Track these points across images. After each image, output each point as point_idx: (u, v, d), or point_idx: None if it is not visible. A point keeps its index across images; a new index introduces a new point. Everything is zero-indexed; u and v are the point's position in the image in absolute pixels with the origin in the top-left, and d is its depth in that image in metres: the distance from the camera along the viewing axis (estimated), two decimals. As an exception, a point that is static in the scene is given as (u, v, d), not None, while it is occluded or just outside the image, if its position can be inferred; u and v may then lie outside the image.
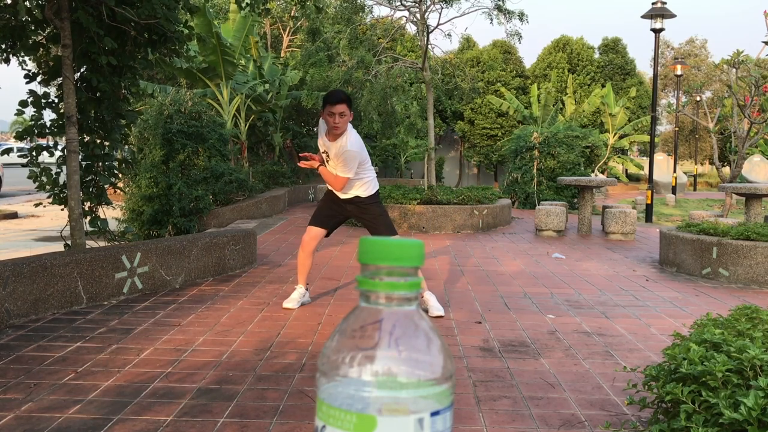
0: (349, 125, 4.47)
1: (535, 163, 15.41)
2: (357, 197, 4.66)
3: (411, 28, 16.04)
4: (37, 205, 6.05)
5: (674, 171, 25.02)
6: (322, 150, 4.61)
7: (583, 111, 24.05)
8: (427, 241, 8.66)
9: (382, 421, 0.52)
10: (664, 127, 48.81)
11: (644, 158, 36.71)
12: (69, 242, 5.47)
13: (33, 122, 5.72)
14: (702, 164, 48.31)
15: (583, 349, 3.86)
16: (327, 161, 4.58)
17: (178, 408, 2.83)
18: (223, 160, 10.82)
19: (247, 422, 2.70)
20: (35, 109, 5.65)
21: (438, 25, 13.42)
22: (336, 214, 4.74)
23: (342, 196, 4.67)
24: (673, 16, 13.22)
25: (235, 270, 6.09)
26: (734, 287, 5.96)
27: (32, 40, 5.57)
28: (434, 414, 0.53)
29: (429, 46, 13.02)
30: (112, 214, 7.46)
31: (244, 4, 6.39)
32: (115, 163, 6.21)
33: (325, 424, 0.54)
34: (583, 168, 15.93)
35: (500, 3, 13.15)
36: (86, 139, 5.83)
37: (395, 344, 0.54)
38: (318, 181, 17.04)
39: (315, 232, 4.72)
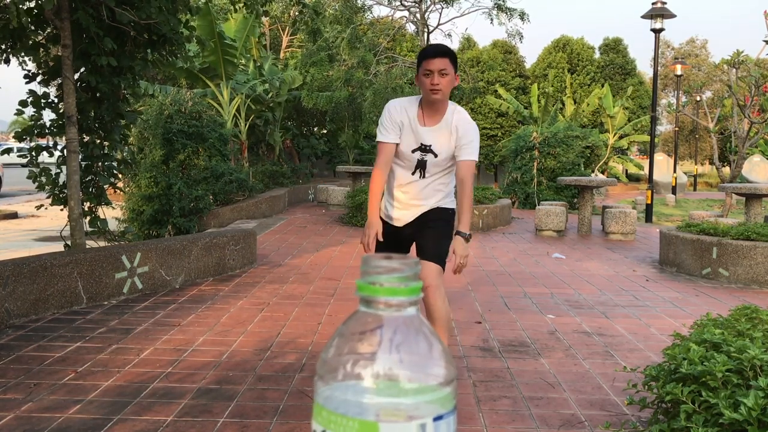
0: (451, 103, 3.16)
1: (535, 163, 15.41)
2: (435, 209, 3.19)
3: (411, 28, 16.05)
4: (38, 207, 6.03)
5: (674, 171, 25.00)
6: (407, 150, 3.10)
7: (583, 111, 24.05)
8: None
9: (384, 427, 0.51)
10: (664, 127, 48.79)
11: (643, 156, 36.70)
12: (69, 242, 5.46)
13: (32, 122, 5.71)
14: (702, 164, 48.28)
15: (583, 349, 3.86)
16: (416, 166, 3.13)
17: (178, 408, 2.83)
18: (223, 160, 10.82)
19: (247, 422, 2.70)
20: (35, 109, 5.64)
21: (438, 25, 13.42)
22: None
23: (405, 216, 3.20)
24: (673, 16, 13.21)
25: (235, 270, 6.09)
26: (734, 287, 5.96)
27: (32, 40, 5.57)
28: (437, 419, 0.53)
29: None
30: (112, 214, 7.45)
31: (239, 6, 6.38)
32: (115, 163, 6.21)
33: (325, 429, 0.53)
34: (582, 168, 15.92)
35: (500, 2, 13.15)
36: (86, 140, 5.83)
37: (396, 349, 0.54)
38: (317, 181, 17.03)
39: None
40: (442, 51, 3.00)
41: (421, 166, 3.12)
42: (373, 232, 2.99)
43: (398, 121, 3.11)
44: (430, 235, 3.15)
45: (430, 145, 3.07)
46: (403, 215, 3.21)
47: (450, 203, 3.25)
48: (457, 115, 3.11)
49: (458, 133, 3.07)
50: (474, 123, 3.15)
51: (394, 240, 3.21)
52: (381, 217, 3.19)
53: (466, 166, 3.07)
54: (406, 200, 3.19)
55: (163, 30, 5.50)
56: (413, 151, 3.09)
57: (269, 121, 15.89)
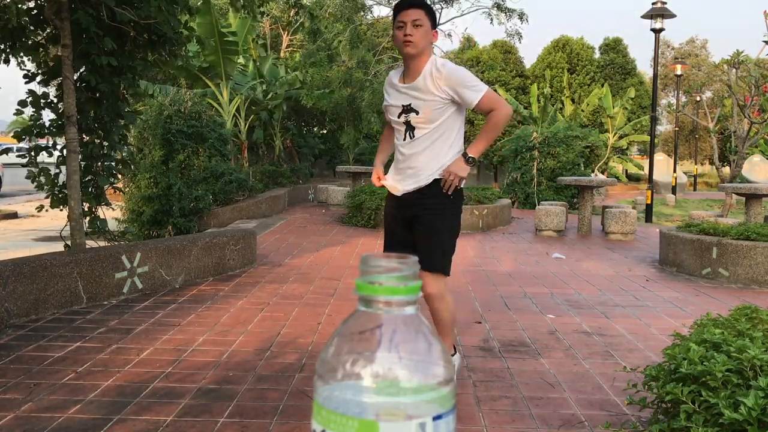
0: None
1: (535, 163, 15.41)
2: (433, 187, 2.97)
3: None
4: (39, 209, 6.01)
5: (674, 171, 25.01)
6: (393, 116, 3.03)
7: (582, 111, 24.06)
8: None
9: (384, 426, 0.51)
10: (664, 127, 48.77)
11: (643, 156, 36.68)
12: (69, 242, 5.46)
13: (32, 122, 5.71)
14: (702, 164, 48.29)
15: (583, 349, 3.86)
16: (405, 129, 2.99)
17: (178, 408, 2.83)
18: (223, 160, 10.83)
19: (247, 422, 2.70)
20: (34, 109, 5.64)
21: (438, 24, 13.43)
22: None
23: (400, 183, 3.05)
24: (673, 16, 13.22)
25: (235, 270, 6.09)
26: (734, 287, 5.96)
27: (32, 40, 5.57)
28: (437, 418, 0.53)
29: (429, 46, 13.03)
30: (112, 214, 7.45)
31: (239, 5, 6.38)
32: (114, 164, 6.21)
33: (325, 428, 0.53)
34: (582, 168, 15.92)
35: (500, 1, 13.17)
36: (86, 140, 5.82)
37: (395, 349, 0.54)
38: (317, 181, 17.03)
39: None
40: (416, 2, 2.87)
41: (409, 128, 2.98)
42: (374, 173, 3.16)
43: (388, 86, 3.08)
44: (426, 235, 2.97)
45: (409, 104, 2.93)
46: (398, 181, 3.04)
47: None
48: (434, 65, 2.91)
49: (442, 81, 2.87)
50: (455, 66, 2.96)
51: (400, 216, 3.06)
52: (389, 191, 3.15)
53: (484, 105, 2.92)
54: (402, 167, 3.04)
55: (163, 30, 5.50)
56: (399, 116, 2.98)
57: (262, 119, 15.90)
